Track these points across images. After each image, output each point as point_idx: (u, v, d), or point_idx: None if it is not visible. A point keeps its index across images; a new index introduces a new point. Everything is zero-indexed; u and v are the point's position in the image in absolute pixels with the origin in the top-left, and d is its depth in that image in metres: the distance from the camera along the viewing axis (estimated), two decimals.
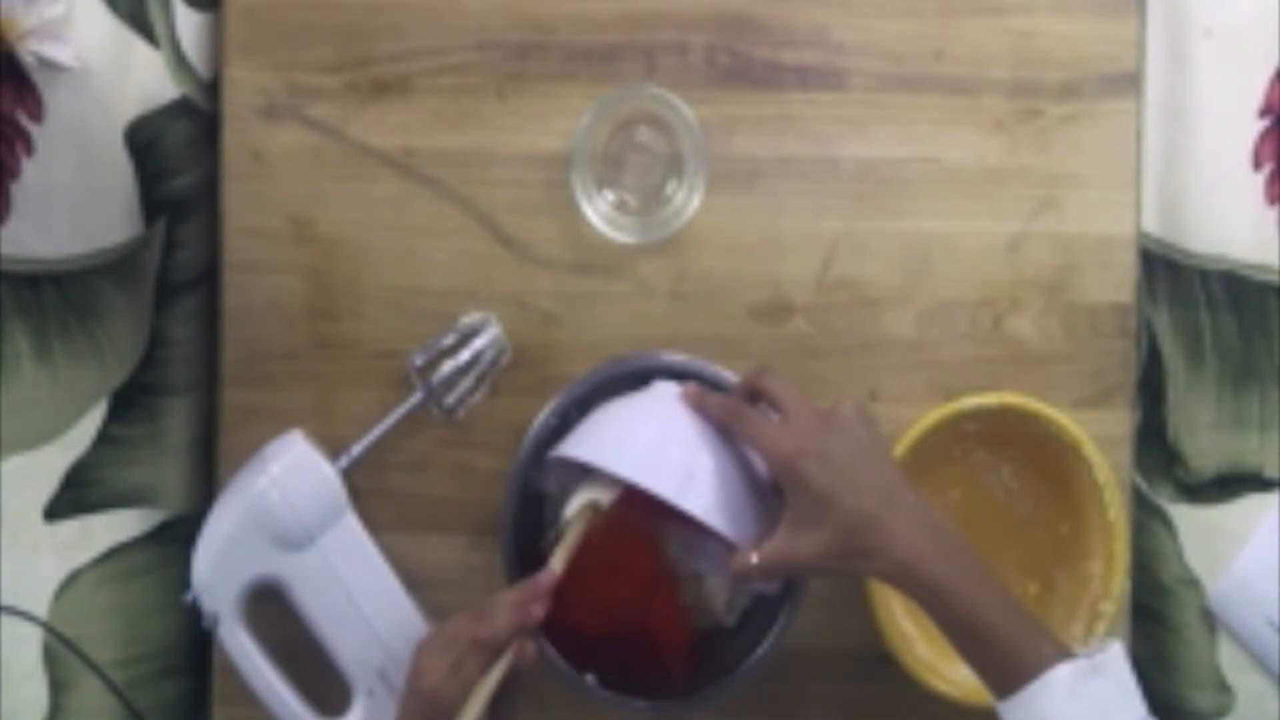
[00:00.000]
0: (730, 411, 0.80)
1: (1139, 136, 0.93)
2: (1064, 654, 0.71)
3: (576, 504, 0.83)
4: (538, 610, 0.79)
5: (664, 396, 0.84)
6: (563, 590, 0.86)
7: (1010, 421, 0.90)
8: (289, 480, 0.86)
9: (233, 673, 0.87)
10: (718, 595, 0.90)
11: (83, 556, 0.89)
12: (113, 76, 0.86)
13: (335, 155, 0.92)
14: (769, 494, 0.81)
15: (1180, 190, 0.93)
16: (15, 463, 0.87)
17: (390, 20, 0.92)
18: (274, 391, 0.92)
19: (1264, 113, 0.91)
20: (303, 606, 0.87)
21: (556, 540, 0.83)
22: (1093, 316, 0.93)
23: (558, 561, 0.81)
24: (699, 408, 0.82)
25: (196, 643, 0.93)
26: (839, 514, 0.74)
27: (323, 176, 0.92)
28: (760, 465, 0.82)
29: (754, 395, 0.81)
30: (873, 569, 0.74)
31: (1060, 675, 0.70)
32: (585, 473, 0.83)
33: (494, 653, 0.78)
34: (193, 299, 0.93)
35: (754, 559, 0.77)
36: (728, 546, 0.79)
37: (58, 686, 0.88)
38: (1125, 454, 0.93)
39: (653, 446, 0.81)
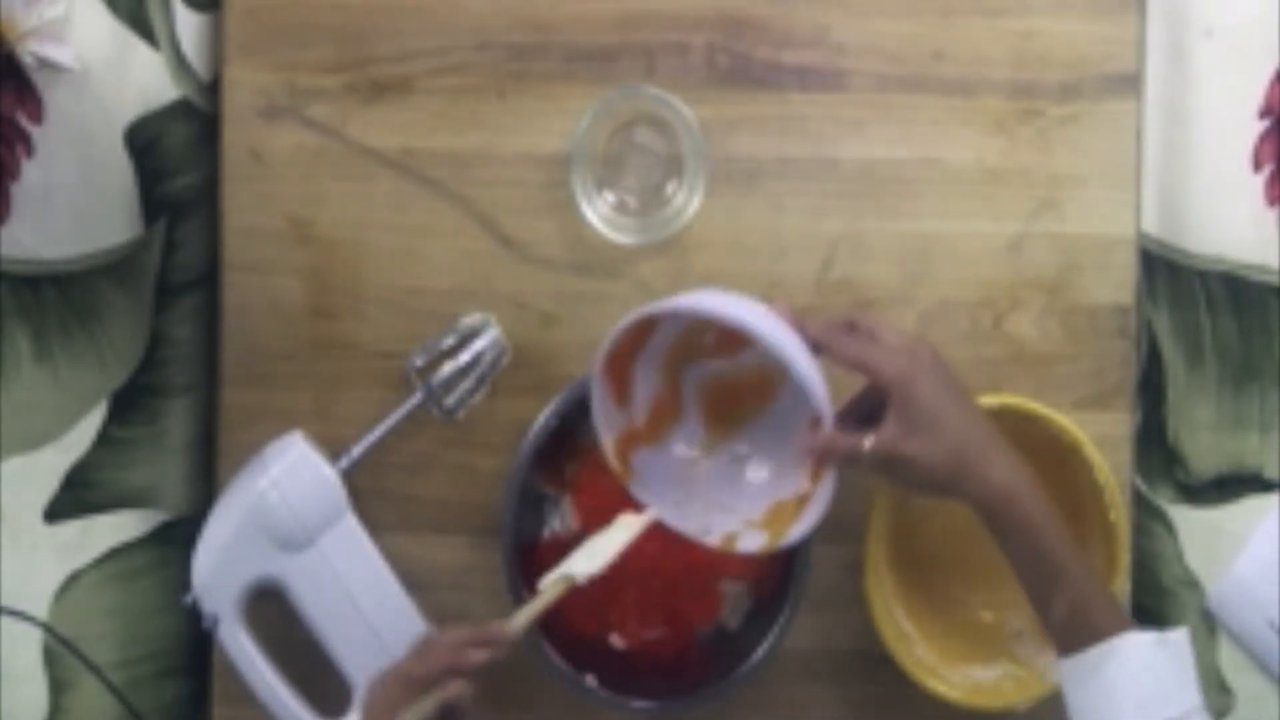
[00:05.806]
0: (834, 331, 0.77)
1: (1139, 137, 0.93)
2: (1132, 624, 0.71)
3: (553, 576, 0.79)
4: (477, 656, 0.75)
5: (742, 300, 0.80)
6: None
7: (1010, 422, 0.89)
8: (289, 481, 0.86)
9: (233, 673, 0.87)
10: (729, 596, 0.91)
11: (83, 557, 0.89)
12: (113, 77, 0.86)
13: (335, 156, 0.92)
14: None
15: (1180, 191, 0.93)
16: (15, 464, 0.87)
17: (390, 21, 0.92)
18: (274, 392, 0.92)
19: (1264, 113, 0.91)
20: (303, 607, 0.87)
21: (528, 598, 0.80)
22: (1093, 317, 0.93)
23: (520, 620, 0.77)
24: (799, 324, 0.77)
25: (196, 643, 0.93)
26: (949, 432, 0.74)
27: (323, 177, 0.92)
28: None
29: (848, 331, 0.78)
30: (973, 492, 0.74)
31: (1131, 643, 0.70)
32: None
33: (424, 691, 0.75)
34: (193, 299, 0.93)
35: (867, 444, 0.75)
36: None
37: (58, 687, 0.88)
38: (1125, 455, 0.93)
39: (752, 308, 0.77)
